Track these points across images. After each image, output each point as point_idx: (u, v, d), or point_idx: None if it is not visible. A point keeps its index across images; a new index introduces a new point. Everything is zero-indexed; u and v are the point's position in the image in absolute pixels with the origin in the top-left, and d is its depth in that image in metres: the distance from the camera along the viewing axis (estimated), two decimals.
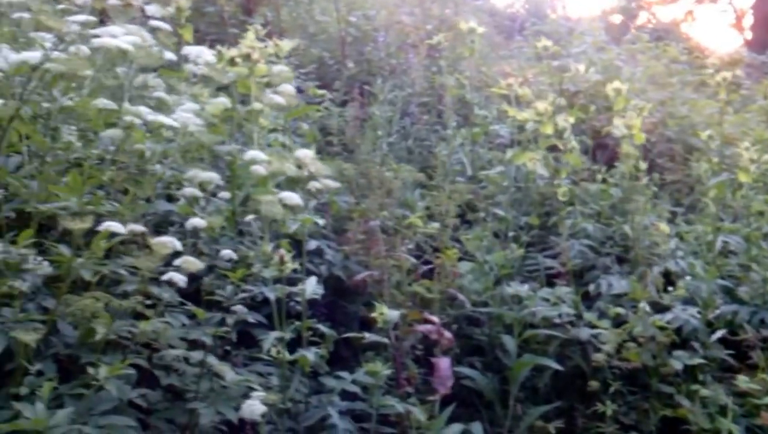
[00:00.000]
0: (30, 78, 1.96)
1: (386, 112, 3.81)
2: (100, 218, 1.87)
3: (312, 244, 2.76)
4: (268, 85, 2.52)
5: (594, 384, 2.33)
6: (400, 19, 5.52)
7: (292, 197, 2.02)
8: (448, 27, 5.28)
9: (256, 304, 2.24)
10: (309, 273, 2.45)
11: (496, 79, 4.39)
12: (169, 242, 1.76)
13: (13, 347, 1.69)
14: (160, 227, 2.37)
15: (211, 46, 2.53)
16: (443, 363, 2.23)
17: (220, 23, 4.60)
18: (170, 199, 2.41)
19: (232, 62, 2.50)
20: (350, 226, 2.90)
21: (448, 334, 2.33)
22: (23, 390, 1.64)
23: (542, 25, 6.41)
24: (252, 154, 2.09)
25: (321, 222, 2.39)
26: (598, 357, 2.28)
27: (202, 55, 2.14)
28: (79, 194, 1.75)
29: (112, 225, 1.71)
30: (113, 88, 2.23)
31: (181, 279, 1.80)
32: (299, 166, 2.18)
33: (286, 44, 2.89)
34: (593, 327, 2.46)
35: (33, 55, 1.76)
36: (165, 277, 1.81)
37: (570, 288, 2.55)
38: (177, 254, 1.89)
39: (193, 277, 2.02)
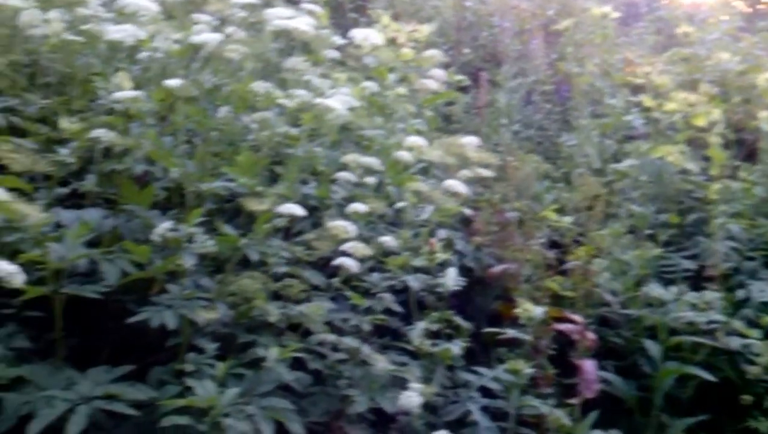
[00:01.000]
0: (193, 58, 1.98)
1: (511, 99, 3.73)
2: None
3: (441, 234, 2.73)
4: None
5: (747, 398, 2.22)
6: (518, 3, 5.39)
7: (456, 185, 1.97)
8: (568, 12, 5.14)
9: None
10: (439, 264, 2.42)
11: (618, 66, 4.24)
12: (346, 227, 1.75)
13: (178, 323, 1.71)
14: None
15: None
16: (589, 365, 2.16)
17: (338, 8, 4.59)
18: (303, 182, 2.41)
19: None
20: (480, 217, 2.84)
21: (591, 335, 2.25)
22: (188, 367, 1.66)
23: (660, 11, 6.16)
24: (412, 140, 2.05)
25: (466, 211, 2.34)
26: (753, 370, 2.17)
27: (369, 38, 2.10)
28: (252, 174, 1.74)
29: (292, 208, 1.70)
30: (263, 70, 2.24)
31: (352, 265, 1.78)
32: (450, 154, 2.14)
33: (426, 28, 2.85)
34: (743, 336, 2.34)
35: (213, 37, 1.76)
36: (336, 262, 1.80)
37: (719, 294, 2.43)
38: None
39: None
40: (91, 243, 1.82)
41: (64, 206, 2.02)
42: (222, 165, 2.07)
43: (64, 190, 2.06)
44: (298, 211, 1.73)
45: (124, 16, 2.11)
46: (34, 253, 1.58)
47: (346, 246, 1.80)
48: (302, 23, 1.74)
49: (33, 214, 1.34)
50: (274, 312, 1.73)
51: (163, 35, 1.97)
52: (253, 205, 1.66)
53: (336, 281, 1.87)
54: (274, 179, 2.26)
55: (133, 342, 1.93)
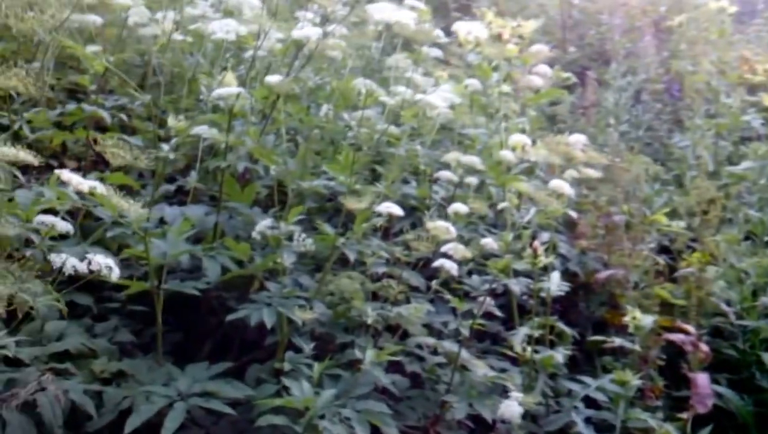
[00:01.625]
0: (296, 56, 1.97)
1: (620, 98, 3.58)
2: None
3: (544, 236, 2.64)
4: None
5: None
6: (627, 0, 5.20)
7: (562, 186, 1.89)
8: (680, 8, 4.92)
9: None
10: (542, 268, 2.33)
11: (734, 64, 4.02)
12: (448, 227, 1.70)
13: (276, 322, 1.71)
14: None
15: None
16: (702, 378, 2.04)
17: (441, 8, 4.55)
18: (404, 181, 2.38)
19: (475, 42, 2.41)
20: (585, 219, 2.73)
21: (704, 346, 2.12)
22: (286, 366, 1.65)
23: None
24: (515, 138, 1.98)
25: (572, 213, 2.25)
26: None
27: (472, 31, 2.04)
28: (350, 173, 1.72)
29: (391, 207, 1.67)
30: (365, 67, 2.22)
31: (452, 267, 1.73)
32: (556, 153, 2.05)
33: (531, 24, 2.76)
34: None
35: (314, 32, 1.74)
36: (436, 264, 1.75)
37: None
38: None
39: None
40: (194, 240, 1.84)
41: (170, 203, 2.06)
42: (323, 163, 2.07)
43: (170, 187, 2.10)
44: (396, 210, 1.69)
45: (229, 15, 2.14)
46: (136, 249, 1.60)
47: (446, 248, 1.75)
48: (404, 16, 1.69)
49: (133, 209, 1.35)
50: (371, 313, 1.69)
51: (267, 33, 1.98)
52: (352, 204, 1.63)
53: (435, 283, 1.82)
54: (375, 178, 2.24)
55: (234, 339, 1.95)
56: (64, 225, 1.37)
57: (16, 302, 1.46)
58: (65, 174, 1.33)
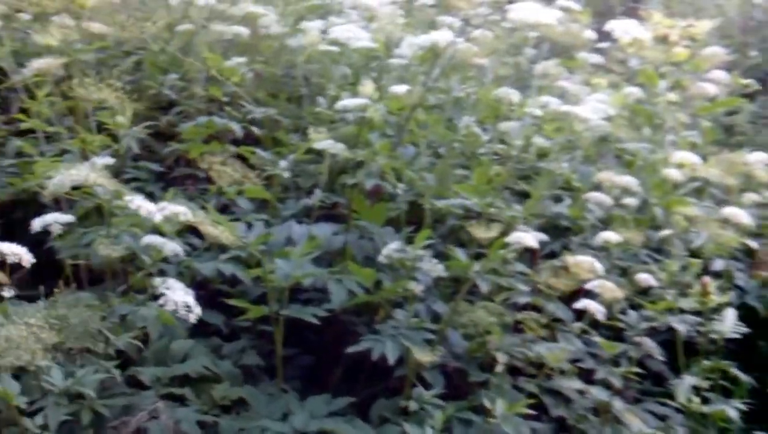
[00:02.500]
0: (434, 64, 1.83)
1: None
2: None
3: (717, 264, 2.33)
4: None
5: None
6: None
7: (739, 214, 1.63)
8: None
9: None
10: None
11: None
12: (592, 264, 1.50)
13: (403, 354, 1.57)
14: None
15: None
16: None
17: (607, 11, 4.26)
18: (557, 199, 2.17)
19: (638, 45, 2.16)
20: (767, 247, 2.39)
21: None
22: (412, 405, 1.51)
23: None
24: (682, 155, 1.73)
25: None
26: None
27: (631, 31, 1.82)
28: (484, 195, 1.55)
29: (523, 238, 1.49)
30: (512, 76, 2.05)
31: (598, 310, 1.52)
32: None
33: (704, 24, 2.46)
34: None
35: (442, 36, 1.60)
36: (579, 305, 1.55)
37: None
38: None
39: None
40: (322, 260, 1.74)
41: (311, 219, 1.99)
42: (462, 179, 1.92)
43: (309, 202, 2.01)
44: (530, 241, 1.50)
45: (370, 22, 2.04)
46: (257, 270, 1.52)
47: (592, 285, 1.54)
48: (547, 16, 1.50)
49: (227, 235, 1.26)
50: (502, 358, 1.52)
51: (404, 40, 1.86)
52: (479, 232, 1.47)
53: (581, 324, 1.61)
54: (524, 195, 2.06)
55: (363, 365, 1.83)
56: (171, 247, 1.30)
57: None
58: (136, 201, 1.26)
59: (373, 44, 2.08)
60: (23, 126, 1.81)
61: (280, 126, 2.23)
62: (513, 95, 1.78)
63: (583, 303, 1.54)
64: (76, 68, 1.59)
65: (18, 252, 1.18)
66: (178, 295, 1.22)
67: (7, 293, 1.19)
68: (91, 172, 1.19)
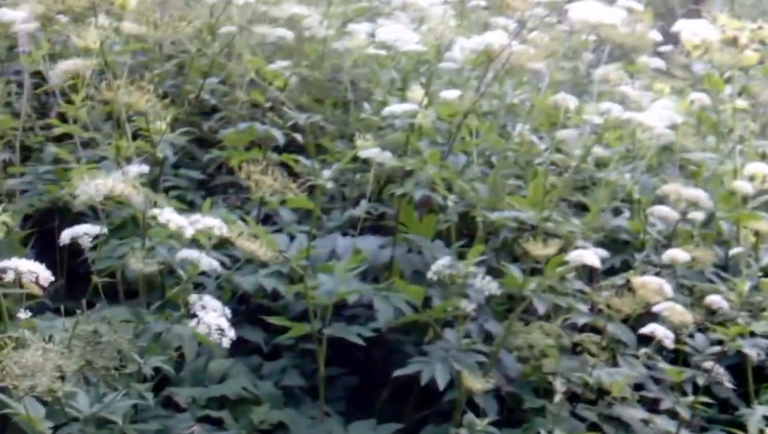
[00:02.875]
0: (487, 68, 1.73)
1: None
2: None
3: None
4: None
5: None
6: None
7: None
8: None
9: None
10: None
11: None
12: (660, 286, 1.38)
13: (454, 377, 1.47)
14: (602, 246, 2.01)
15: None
16: None
17: (667, 14, 4.10)
18: (617, 211, 2.04)
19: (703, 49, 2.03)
20: None
21: None
22: (463, 433, 1.40)
23: None
24: (754, 166, 1.60)
25: None
26: None
27: (700, 32, 1.69)
28: (541, 207, 1.44)
29: (584, 256, 1.37)
30: (570, 81, 1.93)
31: (666, 336, 1.40)
32: None
33: None
34: None
35: (496, 39, 1.49)
36: (646, 330, 1.43)
37: None
38: None
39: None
40: (367, 275, 1.65)
41: (353, 231, 1.90)
42: (515, 190, 1.81)
43: (355, 213, 1.92)
44: (592, 259, 1.39)
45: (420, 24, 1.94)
46: (299, 286, 1.43)
47: (659, 308, 1.42)
48: (610, 16, 1.39)
49: (265, 250, 1.17)
50: (560, 385, 1.40)
51: (459, 44, 1.75)
52: (536, 249, 1.35)
53: (646, 349, 1.49)
54: (579, 207, 1.94)
55: (412, 387, 1.72)
56: (208, 262, 1.22)
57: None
58: (165, 214, 1.17)
59: (423, 47, 1.99)
60: (57, 131, 1.75)
61: (325, 133, 2.15)
62: (571, 101, 1.67)
63: (650, 329, 1.42)
64: (114, 71, 1.52)
65: (35, 270, 1.10)
66: (211, 317, 1.13)
67: (23, 315, 1.11)
68: (120, 182, 1.11)
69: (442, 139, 1.82)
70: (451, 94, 1.55)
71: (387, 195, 1.84)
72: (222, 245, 1.51)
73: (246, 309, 1.79)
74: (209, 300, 1.16)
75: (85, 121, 1.76)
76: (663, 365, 1.51)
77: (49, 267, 1.29)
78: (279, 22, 2.28)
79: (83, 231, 1.25)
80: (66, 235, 1.27)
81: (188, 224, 1.15)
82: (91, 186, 1.08)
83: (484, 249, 1.48)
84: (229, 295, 1.71)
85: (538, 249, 1.35)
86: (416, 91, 1.84)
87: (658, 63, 2.21)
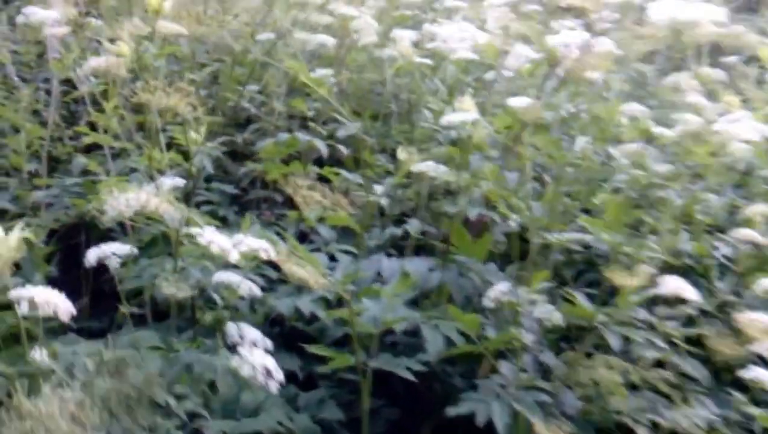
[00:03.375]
0: (548, 75, 1.60)
1: None
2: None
3: None
4: None
5: None
6: None
7: None
8: None
9: None
10: None
11: None
12: (762, 322, 1.22)
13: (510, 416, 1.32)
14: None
15: None
16: None
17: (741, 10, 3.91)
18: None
19: None
20: None
21: None
22: None
23: None
24: None
25: None
26: None
27: None
28: (617, 231, 1.29)
29: (682, 289, 1.22)
30: (636, 90, 1.79)
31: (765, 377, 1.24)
32: None
33: None
34: None
35: (575, 38, 1.36)
36: (748, 374, 1.27)
37: None
38: None
39: None
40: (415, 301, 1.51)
41: (395, 250, 1.77)
42: (576, 209, 1.66)
43: (397, 231, 1.79)
44: (691, 294, 1.24)
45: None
46: (341, 311, 1.29)
47: (764, 348, 1.26)
48: (709, 14, 1.24)
49: (316, 278, 1.04)
50: (643, 430, 1.25)
51: (517, 49, 1.63)
52: (621, 279, 1.21)
53: (740, 395, 1.32)
54: (634, 227, 1.79)
55: (458, 424, 1.58)
56: (248, 286, 1.09)
57: None
58: (207, 235, 1.05)
59: (473, 54, 1.87)
60: (85, 140, 1.65)
61: (365, 145, 2.03)
62: (641, 112, 1.52)
63: (752, 373, 1.25)
64: (147, 75, 1.42)
65: (54, 302, 0.98)
66: (257, 356, 1.01)
67: (38, 355, 0.99)
68: (152, 197, 1.00)
69: (495, 153, 1.69)
70: (518, 102, 1.41)
71: (430, 212, 1.71)
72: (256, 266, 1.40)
73: (279, 331, 1.67)
74: (248, 329, 1.03)
75: (117, 131, 1.66)
76: (753, 410, 1.35)
77: (73, 284, 1.19)
78: (319, 28, 2.18)
79: (111, 252, 1.14)
80: (92, 256, 1.16)
81: (232, 246, 1.02)
82: (121, 200, 0.96)
83: (548, 275, 1.33)
84: (262, 318, 1.59)
85: (623, 278, 1.19)
86: (466, 102, 1.72)
87: (719, 74, 2.05)
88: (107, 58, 1.26)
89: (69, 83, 1.93)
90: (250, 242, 1.03)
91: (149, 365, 1.04)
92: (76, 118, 2.05)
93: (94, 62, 1.25)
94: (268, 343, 1.07)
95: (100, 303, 1.78)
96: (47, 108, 1.93)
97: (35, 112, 1.92)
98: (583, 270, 1.80)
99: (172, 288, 1.08)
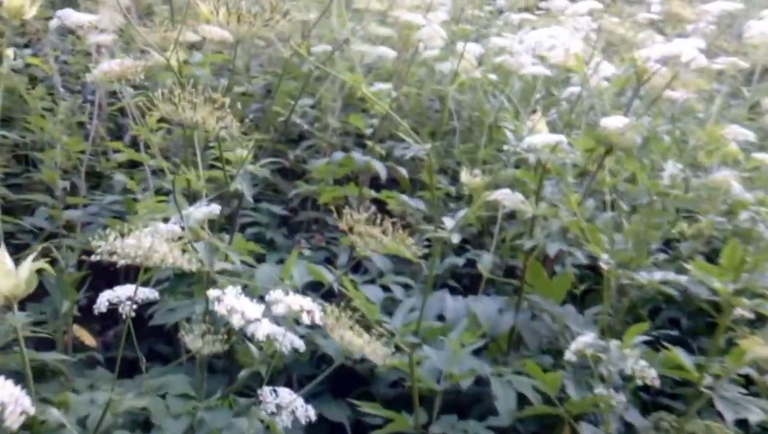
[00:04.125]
0: (636, 92, 1.41)
1: None
2: None
3: None
4: None
5: None
6: None
7: None
8: None
9: None
10: None
11: None
12: None
13: None
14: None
15: None
16: None
17: None
18: None
19: None
20: None
21: None
22: None
23: None
24: None
25: None
26: None
27: None
28: (736, 277, 1.07)
29: None
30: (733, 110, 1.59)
31: None
32: None
33: None
34: None
35: (690, 47, 1.17)
36: None
37: None
38: None
39: None
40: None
41: (457, 284, 1.60)
42: (657, 243, 1.47)
43: (458, 261, 1.62)
44: None
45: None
46: (397, 362, 1.11)
47: None
48: None
49: (370, 348, 0.87)
50: None
51: (599, 63, 1.45)
52: (758, 350, 1.00)
53: None
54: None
55: None
56: (290, 339, 0.92)
57: None
58: (227, 300, 0.87)
59: (545, 70, 1.70)
60: (119, 158, 1.51)
61: (424, 165, 1.86)
62: (745, 135, 1.33)
63: None
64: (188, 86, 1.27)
65: (15, 397, 0.75)
66: (283, 417, 0.84)
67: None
68: (160, 242, 0.84)
69: (571, 179, 1.50)
70: (612, 122, 1.22)
71: (506, 245, 1.53)
72: None
73: (326, 372, 1.51)
74: (285, 393, 0.87)
75: (161, 146, 1.52)
76: None
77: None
78: (377, 41, 2.04)
79: (126, 296, 0.98)
80: (102, 301, 1.00)
81: (260, 315, 0.86)
82: (117, 245, 0.81)
83: (647, 327, 1.14)
84: (308, 357, 1.43)
85: (763, 350, 0.98)
86: (540, 121, 1.54)
87: None
88: (121, 62, 1.11)
89: (115, 95, 1.81)
90: (290, 301, 0.86)
91: (170, 428, 0.88)
92: (123, 132, 1.93)
93: (106, 65, 1.11)
94: (311, 412, 0.90)
95: (138, 328, 1.65)
96: (92, 120, 1.81)
97: (81, 125, 1.81)
98: (659, 307, 1.61)
99: (199, 342, 0.92)
